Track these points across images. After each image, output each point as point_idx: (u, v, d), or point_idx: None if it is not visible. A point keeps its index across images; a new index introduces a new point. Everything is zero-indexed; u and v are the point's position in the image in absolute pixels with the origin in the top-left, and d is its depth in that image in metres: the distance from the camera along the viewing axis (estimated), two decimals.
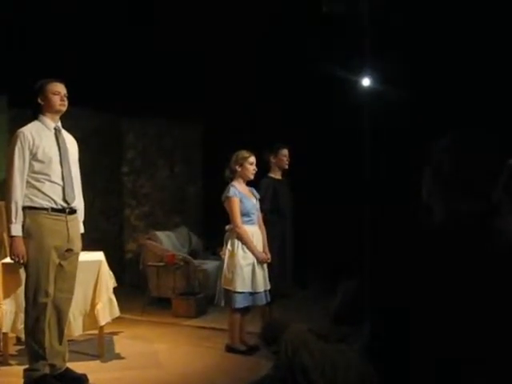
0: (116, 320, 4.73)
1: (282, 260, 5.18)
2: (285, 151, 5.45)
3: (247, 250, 4.62)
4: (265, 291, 4.70)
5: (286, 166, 5.47)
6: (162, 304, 6.48)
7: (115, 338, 5.18)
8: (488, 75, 4.93)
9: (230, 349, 4.73)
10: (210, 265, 6.87)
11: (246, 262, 4.59)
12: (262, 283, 4.67)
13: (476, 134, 1.50)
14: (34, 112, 3.77)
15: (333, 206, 6.81)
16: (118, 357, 4.62)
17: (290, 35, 5.82)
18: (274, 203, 5.22)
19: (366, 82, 6.32)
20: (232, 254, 4.60)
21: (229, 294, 4.59)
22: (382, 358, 1.48)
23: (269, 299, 4.76)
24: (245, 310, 4.73)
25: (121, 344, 4.99)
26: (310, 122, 6.94)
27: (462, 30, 4.98)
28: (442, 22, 5.09)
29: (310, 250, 6.50)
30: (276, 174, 5.45)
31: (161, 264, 6.63)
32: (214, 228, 7.00)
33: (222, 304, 4.69)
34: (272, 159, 5.41)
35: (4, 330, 4.25)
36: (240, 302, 4.57)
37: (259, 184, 5.11)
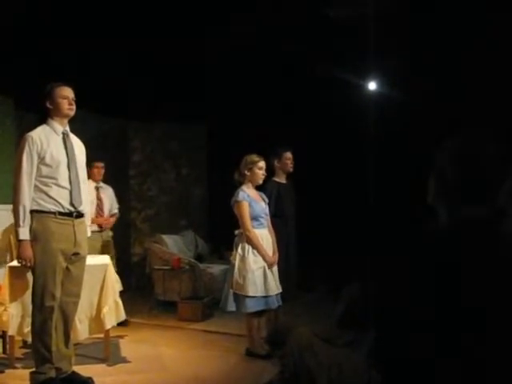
0: (122, 323, 4.74)
1: (286, 263, 5.17)
2: (289, 154, 5.44)
3: (258, 254, 4.61)
4: (276, 294, 4.70)
5: (291, 170, 5.46)
6: (167, 308, 6.48)
7: (121, 341, 5.19)
8: (493, 78, 4.92)
9: (250, 353, 4.71)
10: (216, 268, 6.87)
11: (257, 266, 4.58)
12: (274, 286, 4.67)
13: (479, 138, 1.50)
14: (42, 116, 3.79)
15: (337, 209, 6.81)
16: (124, 360, 4.62)
17: (294, 37, 5.81)
18: (279, 207, 5.21)
19: (372, 85, 6.33)
20: (243, 259, 4.59)
21: (240, 299, 4.58)
22: (387, 362, 1.48)
23: (280, 302, 4.75)
24: (259, 314, 4.71)
25: (127, 347, 5.00)
26: (315, 125, 6.94)
27: (468, 33, 4.97)
28: (447, 24, 5.08)
29: (315, 253, 6.48)
30: (281, 178, 5.44)
31: (167, 267, 6.65)
32: (220, 232, 7.00)
33: (229, 309, 4.68)
34: (276, 163, 5.41)
35: (10, 333, 4.26)
36: (253, 307, 4.55)
37: (264, 188, 5.11)
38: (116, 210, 6.29)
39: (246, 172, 4.73)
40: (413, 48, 5.33)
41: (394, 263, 1.49)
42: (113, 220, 6.19)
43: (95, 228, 5.78)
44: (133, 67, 6.31)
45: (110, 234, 6.16)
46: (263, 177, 4.80)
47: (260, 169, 4.74)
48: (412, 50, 5.35)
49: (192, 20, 5.67)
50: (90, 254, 5.28)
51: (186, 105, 7.27)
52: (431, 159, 1.55)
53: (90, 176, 5.69)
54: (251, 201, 4.66)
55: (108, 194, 6.21)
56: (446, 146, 1.52)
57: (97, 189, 6.07)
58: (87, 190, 3.98)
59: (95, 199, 5.98)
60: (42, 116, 3.79)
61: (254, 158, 4.74)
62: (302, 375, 3.25)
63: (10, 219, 3.69)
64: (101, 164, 6.07)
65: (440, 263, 1.39)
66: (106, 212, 6.12)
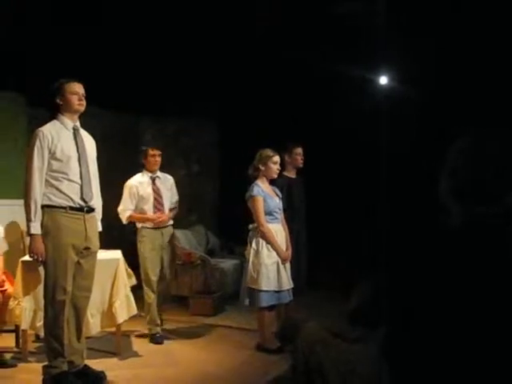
0: (134, 318, 4.76)
1: (296, 258, 5.17)
2: (299, 150, 5.45)
3: (272, 249, 4.61)
4: (288, 289, 4.70)
5: (301, 165, 5.47)
6: (179, 302, 6.51)
7: (133, 335, 5.21)
8: (508, 74, 4.86)
9: (260, 348, 4.72)
10: (227, 263, 6.88)
11: (271, 261, 4.59)
12: (287, 281, 4.67)
13: (492, 135, 1.48)
14: (53, 112, 3.80)
15: (348, 204, 6.78)
16: (136, 354, 4.65)
17: (305, 34, 5.80)
18: (289, 201, 5.21)
19: (383, 80, 6.29)
20: (257, 253, 4.60)
21: (254, 293, 4.59)
22: (398, 358, 1.47)
23: (292, 297, 4.75)
24: (271, 309, 4.72)
25: (138, 342, 5.03)
26: (326, 120, 6.91)
27: (482, 26, 4.92)
28: (460, 19, 5.04)
29: (325, 249, 6.47)
30: (290, 173, 5.45)
31: (178, 262, 6.66)
32: (231, 227, 7.01)
33: (246, 303, 4.69)
34: (286, 158, 5.41)
35: (23, 327, 4.31)
36: (266, 301, 4.57)
37: (274, 182, 5.11)
38: (175, 204, 5.39)
39: (260, 166, 4.74)
40: (423, 43, 5.29)
41: (407, 261, 1.48)
42: (168, 216, 5.21)
43: (148, 225, 5.10)
44: (145, 63, 6.32)
45: (171, 231, 5.32)
46: (278, 171, 4.81)
47: (275, 163, 4.75)
48: (422, 46, 5.31)
49: (203, 17, 5.68)
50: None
51: (197, 100, 7.27)
52: (443, 157, 1.54)
53: (144, 166, 5.22)
54: (266, 196, 4.66)
55: (168, 186, 5.29)
56: (459, 144, 1.51)
57: (152, 180, 5.18)
58: (98, 184, 3.99)
59: (152, 192, 5.12)
60: (53, 112, 3.80)
61: (269, 152, 4.74)
62: (313, 370, 3.25)
63: (23, 214, 3.70)
64: (157, 152, 5.19)
65: (451, 262, 1.38)
66: (167, 206, 5.20)
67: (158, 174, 5.25)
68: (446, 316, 1.37)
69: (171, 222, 5.28)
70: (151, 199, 5.10)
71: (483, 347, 1.33)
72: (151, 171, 5.19)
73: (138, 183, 5.14)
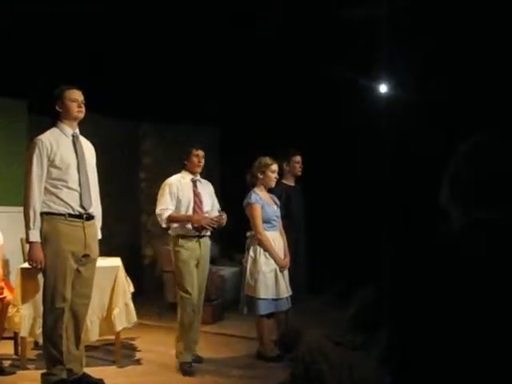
0: (133, 326, 4.73)
1: (295, 266, 5.16)
2: (298, 158, 5.46)
3: (269, 257, 4.60)
4: (286, 297, 4.68)
5: (299, 173, 5.48)
6: None
7: (132, 343, 5.20)
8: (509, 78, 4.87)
9: (260, 355, 4.70)
10: (226, 271, 6.86)
11: (269, 269, 4.58)
12: (285, 289, 4.66)
13: (497, 140, 1.47)
14: (52, 119, 3.81)
15: (347, 212, 6.77)
16: (135, 362, 4.63)
17: (306, 40, 5.81)
18: (287, 209, 5.21)
19: (384, 86, 6.29)
20: (254, 261, 4.59)
21: (252, 301, 4.57)
22: (399, 366, 1.46)
23: (290, 305, 4.74)
24: (269, 317, 4.70)
25: (137, 350, 5.01)
26: (327, 128, 6.92)
27: (485, 32, 4.92)
28: (462, 25, 5.05)
29: (325, 256, 6.45)
30: (289, 181, 5.46)
31: None
32: (230, 234, 6.99)
33: (245, 311, 4.67)
34: (285, 166, 5.41)
35: (22, 335, 4.29)
36: (264, 309, 4.55)
37: (273, 190, 5.11)
38: (218, 213, 4.72)
39: (258, 174, 4.73)
40: (425, 48, 5.30)
41: (408, 267, 1.47)
42: (219, 220, 4.60)
43: (188, 231, 4.54)
44: (144, 69, 6.34)
45: (209, 243, 4.76)
46: (275, 180, 4.81)
47: (273, 172, 4.75)
48: (424, 51, 5.32)
49: (202, 22, 5.69)
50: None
51: (198, 106, 7.28)
52: (444, 160, 1.53)
53: (184, 166, 4.77)
54: (264, 203, 4.66)
55: (208, 191, 4.80)
56: (462, 148, 1.50)
57: (193, 182, 4.70)
58: (98, 192, 3.99)
59: (192, 196, 4.63)
60: (52, 119, 3.81)
61: (268, 160, 4.74)
62: (313, 378, 3.24)
63: (22, 221, 3.69)
64: (201, 152, 4.73)
65: (455, 267, 1.37)
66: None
67: (199, 177, 4.79)
68: (448, 321, 1.36)
69: (208, 233, 4.70)
70: (191, 203, 4.59)
71: (487, 353, 1.32)
72: (193, 173, 4.72)
73: (179, 182, 4.65)
